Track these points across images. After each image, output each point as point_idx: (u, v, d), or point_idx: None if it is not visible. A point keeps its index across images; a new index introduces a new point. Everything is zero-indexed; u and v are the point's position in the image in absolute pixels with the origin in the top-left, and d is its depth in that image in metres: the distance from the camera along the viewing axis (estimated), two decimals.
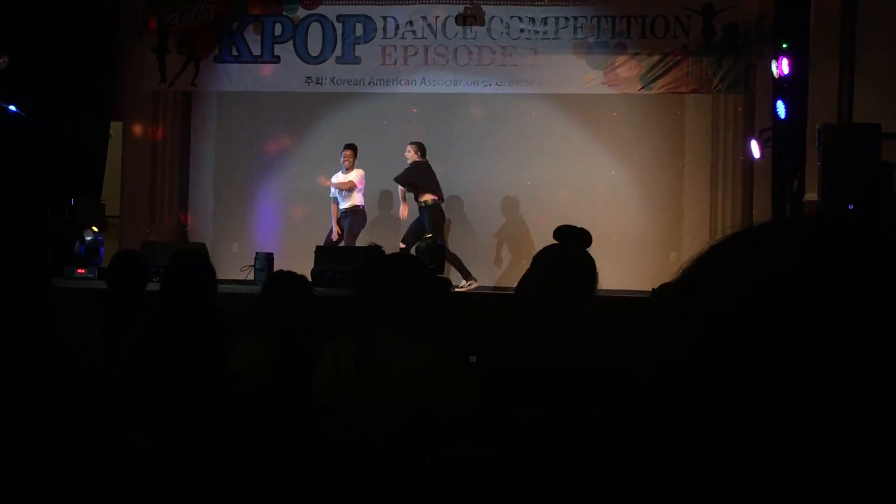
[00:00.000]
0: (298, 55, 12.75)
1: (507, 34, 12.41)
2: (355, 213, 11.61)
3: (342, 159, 11.64)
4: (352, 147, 11.65)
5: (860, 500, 0.70)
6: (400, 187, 11.66)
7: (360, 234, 11.58)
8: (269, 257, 10.26)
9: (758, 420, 0.72)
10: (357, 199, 11.55)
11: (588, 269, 3.63)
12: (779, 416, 0.72)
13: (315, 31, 12.72)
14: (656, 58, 12.15)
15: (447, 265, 10.98)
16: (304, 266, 7.72)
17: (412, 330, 3.40)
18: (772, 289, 0.75)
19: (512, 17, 12.39)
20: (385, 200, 12.52)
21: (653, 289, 4.31)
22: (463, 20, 12.42)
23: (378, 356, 3.39)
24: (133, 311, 5.26)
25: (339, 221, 11.61)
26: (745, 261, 0.79)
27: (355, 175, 11.55)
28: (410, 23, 12.57)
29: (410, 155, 11.51)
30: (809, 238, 0.79)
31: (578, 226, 3.76)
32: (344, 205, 11.61)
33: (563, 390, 2.92)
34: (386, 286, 3.47)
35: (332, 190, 11.67)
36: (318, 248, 10.41)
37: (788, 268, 0.76)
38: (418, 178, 11.46)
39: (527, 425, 2.30)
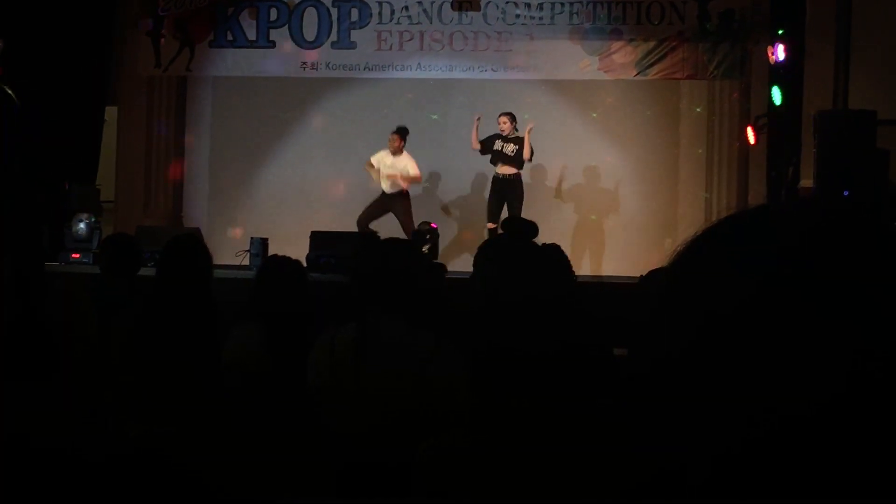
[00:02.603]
0: (294, 40, 12.69)
1: (503, 20, 12.37)
2: (406, 198, 11.59)
3: (389, 142, 11.53)
4: (399, 132, 11.53)
5: (861, 497, 0.70)
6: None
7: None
8: (264, 242, 10.24)
9: (759, 416, 0.71)
10: (407, 183, 11.54)
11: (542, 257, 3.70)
12: (781, 412, 0.71)
13: (310, 15, 12.67)
14: (652, 44, 12.11)
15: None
16: (299, 251, 7.71)
17: (409, 317, 3.40)
18: (772, 279, 0.74)
19: (508, 2, 12.35)
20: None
21: (641, 275, 4.31)
22: (459, 5, 12.37)
23: (375, 343, 3.39)
24: (126, 296, 5.26)
25: (383, 203, 11.55)
26: (743, 248, 0.77)
27: (410, 161, 11.48)
28: (406, 8, 12.52)
29: (509, 126, 11.41)
30: (807, 226, 0.77)
31: (528, 219, 3.84)
32: (387, 187, 11.53)
33: (548, 377, 2.93)
34: (383, 273, 3.47)
35: (374, 158, 11.60)
36: (313, 233, 10.40)
37: (788, 257, 0.74)
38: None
39: (517, 413, 2.31)
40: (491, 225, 11.22)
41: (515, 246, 3.73)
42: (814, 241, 0.75)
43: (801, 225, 0.77)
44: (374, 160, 11.58)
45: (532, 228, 3.80)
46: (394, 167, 11.47)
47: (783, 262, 0.74)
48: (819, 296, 0.72)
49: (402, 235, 10.66)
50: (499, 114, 11.50)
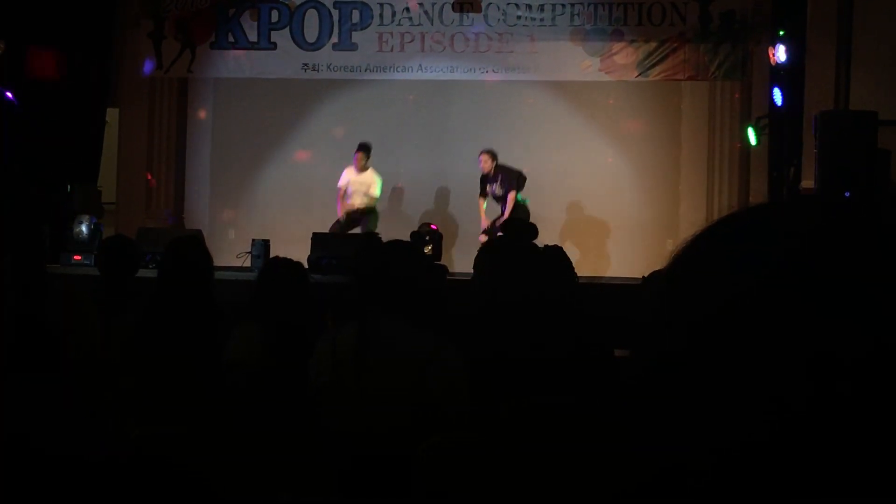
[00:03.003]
0: (295, 42, 12.71)
1: (504, 21, 12.37)
2: (372, 213, 11.60)
3: (354, 161, 11.58)
4: (363, 148, 11.57)
5: (861, 497, 0.69)
6: (480, 200, 11.63)
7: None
8: (265, 244, 10.24)
9: (759, 416, 0.71)
10: (372, 200, 11.54)
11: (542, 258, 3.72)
12: (781, 411, 0.70)
13: (311, 17, 12.68)
14: (653, 45, 12.12)
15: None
16: (301, 253, 7.71)
17: (409, 318, 3.40)
18: (772, 278, 0.73)
19: (509, 3, 12.36)
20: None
21: (643, 276, 4.32)
22: (460, 7, 12.37)
23: (375, 343, 3.39)
24: (125, 297, 5.26)
25: (350, 219, 11.58)
26: (743, 247, 0.77)
27: (373, 180, 11.50)
28: (407, 10, 12.53)
29: (489, 164, 11.41)
30: (808, 225, 0.76)
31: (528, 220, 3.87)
32: (357, 203, 11.56)
33: (548, 377, 2.93)
34: (384, 274, 3.47)
35: (342, 181, 11.64)
36: (314, 234, 10.40)
37: (788, 256, 0.74)
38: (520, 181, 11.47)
39: (517, 413, 2.31)
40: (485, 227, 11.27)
41: (517, 247, 3.74)
42: (814, 240, 0.75)
43: (801, 224, 0.77)
44: (342, 182, 11.65)
45: (532, 230, 3.82)
46: (362, 183, 11.53)
47: (783, 261, 0.74)
48: (819, 295, 0.72)
49: (401, 236, 10.65)
50: (479, 152, 11.54)
